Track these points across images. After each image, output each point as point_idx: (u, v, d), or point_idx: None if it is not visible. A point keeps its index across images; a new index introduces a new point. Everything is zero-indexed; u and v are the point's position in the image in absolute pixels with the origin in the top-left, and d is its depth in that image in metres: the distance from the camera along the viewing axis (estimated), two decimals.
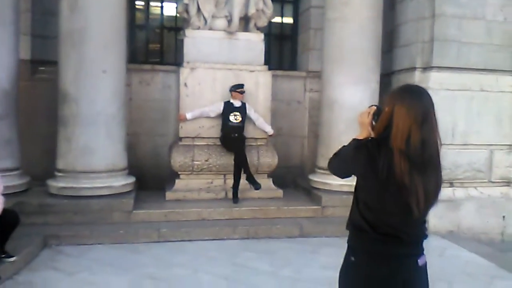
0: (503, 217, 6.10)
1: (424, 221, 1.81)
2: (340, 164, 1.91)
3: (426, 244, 1.83)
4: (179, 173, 6.14)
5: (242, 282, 3.99)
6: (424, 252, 1.82)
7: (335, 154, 1.94)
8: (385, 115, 1.73)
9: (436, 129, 1.69)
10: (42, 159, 5.99)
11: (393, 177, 1.64)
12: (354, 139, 1.84)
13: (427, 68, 6.14)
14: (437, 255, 5.01)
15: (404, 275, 1.75)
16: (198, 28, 6.41)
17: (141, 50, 7.62)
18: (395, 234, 1.73)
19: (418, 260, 1.77)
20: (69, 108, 5.35)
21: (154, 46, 7.81)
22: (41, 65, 6.45)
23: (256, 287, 3.89)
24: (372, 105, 1.91)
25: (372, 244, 1.76)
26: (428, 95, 1.74)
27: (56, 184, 5.34)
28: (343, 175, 1.95)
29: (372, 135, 1.82)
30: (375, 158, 1.68)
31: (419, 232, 1.79)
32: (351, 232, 1.85)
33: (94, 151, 5.39)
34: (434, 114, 1.70)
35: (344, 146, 1.90)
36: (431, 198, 1.68)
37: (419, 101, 1.69)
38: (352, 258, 1.81)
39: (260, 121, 6.28)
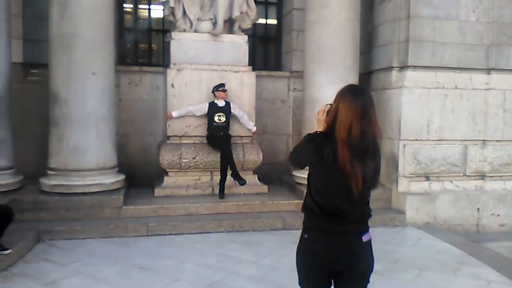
0: (478, 209, 6.39)
1: (367, 203, 2.10)
2: (296, 156, 2.19)
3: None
4: (168, 170, 6.38)
5: (225, 270, 4.25)
6: (369, 230, 2.11)
7: (293, 149, 2.23)
8: (332, 110, 2.03)
9: (375, 123, 1.98)
10: (34, 159, 6.22)
11: (337, 163, 1.93)
12: (307, 134, 2.12)
13: (403, 67, 6.44)
14: (411, 245, 5.31)
15: (349, 249, 2.04)
16: (184, 30, 6.66)
17: (130, 51, 7.86)
18: (340, 214, 2.02)
19: (362, 237, 2.06)
20: (60, 109, 5.57)
21: (143, 47, 8.05)
22: (33, 68, 6.69)
23: (238, 274, 4.15)
24: (328, 104, 2.20)
25: (321, 222, 2.05)
26: (369, 94, 2.05)
27: (49, 182, 5.57)
28: (299, 166, 2.26)
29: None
30: (322, 149, 1.97)
31: (362, 212, 2.08)
32: (305, 214, 2.14)
33: (85, 150, 5.62)
34: (373, 111, 1.99)
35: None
36: (368, 181, 1.97)
37: (359, 99, 1.99)
38: (306, 235, 2.11)
39: (245, 119, 6.55)
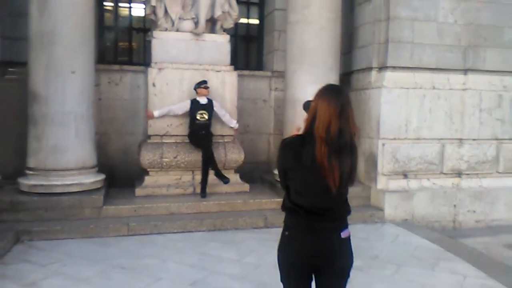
0: (454, 206, 6.53)
1: (345, 200, 2.15)
2: (280, 172, 2.20)
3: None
4: (148, 170, 6.35)
5: (207, 269, 4.27)
6: (348, 226, 2.16)
7: (278, 172, 2.25)
8: (312, 109, 2.08)
9: (352, 121, 2.04)
10: (13, 158, 6.08)
11: (315, 162, 1.98)
12: (282, 140, 2.19)
13: (382, 68, 6.55)
14: (390, 241, 5.41)
15: (328, 246, 2.09)
16: (166, 29, 6.63)
17: (110, 50, 7.79)
18: (319, 212, 2.07)
19: (341, 233, 2.11)
20: (39, 108, 5.50)
21: (123, 46, 7.98)
22: (11, 66, 6.56)
23: (220, 273, 4.17)
24: (308, 100, 2.26)
25: (301, 221, 2.09)
26: (346, 94, 2.12)
27: (27, 182, 5.48)
28: (285, 181, 2.18)
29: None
30: (300, 152, 2.03)
31: (341, 210, 2.13)
32: (285, 213, 2.19)
33: (64, 150, 5.56)
34: (351, 109, 2.06)
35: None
36: (345, 177, 2.02)
37: (337, 97, 2.05)
38: (286, 233, 2.16)
39: (227, 117, 6.56)
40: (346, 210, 2.16)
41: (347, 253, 2.15)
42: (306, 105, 2.36)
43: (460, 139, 6.66)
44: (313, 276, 2.19)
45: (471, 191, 6.58)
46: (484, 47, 6.69)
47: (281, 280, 2.23)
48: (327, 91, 2.09)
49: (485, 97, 6.66)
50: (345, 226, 2.14)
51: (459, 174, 6.66)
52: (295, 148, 2.06)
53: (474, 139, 6.65)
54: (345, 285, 2.20)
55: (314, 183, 2.03)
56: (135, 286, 3.84)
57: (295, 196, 2.11)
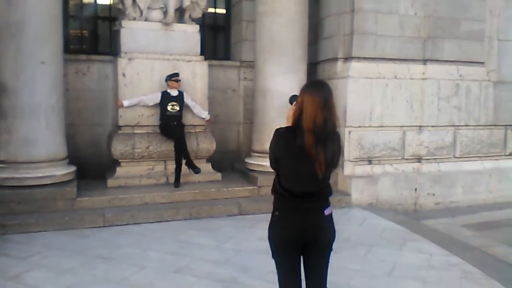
0: (415, 189, 6.93)
1: (327, 183, 2.40)
2: (271, 156, 2.42)
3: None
4: (120, 160, 6.34)
5: (188, 255, 4.39)
6: (330, 205, 2.42)
7: (270, 156, 2.44)
8: (298, 104, 2.30)
9: (334, 111, 2.28)
10: None
11: (304, 151, 2.21)
12: (276, 130, 2.38)
13: (348, 58, 6.80)
14: (358, 224, 5.71)
15: (313, 223, 2.34)
16: (134, 19, 6.58)
17: (75, 40, 7.63)
18: (305, 195, 2.32)
19: (324, 211, 2.38)
20: (8, 99, 5.38)
21: (88, 35, 7.82)
22: None
23: (202, 259, 4.30)
24: (294, 94, 2.45)
25: (289, 202, 2.34)
26: (328, 86, 2.34)
27: None
28: (275, 165, 2.42)
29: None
30: (291, 142, 2.25)
31: (323, 191, 2.38)
32: (274, 196, 2.42)
33: (35, 142, 5.47)
34: (332, 101, 2.29)
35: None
36: (329, 162, 2.26)
37: (321, 91, 2.28)
38: (276, 213, 2.40)
39: (197, 109, 6.63)
40: (328, 191, 2.41)
41: (330, 228, 2.41)
42: (292, 99, 2.56)
43: (420, 126, 7.04)
44: (302, 251, 2.40)
45: (430, 175, 6.99)
46: (442, 38, 7.06)
47: (272, 256, 2.44)
48: (311, 87, 2.32)
49: (443, 86, 7.06)
50: (327, 205, 2.40)
51: (419, 159, 7.05)
52: (287, 138, 2.28)
53: (433, 126, 7.05)
54: (329, 258, 2.44)
55: (303, 170, 2.26)
56: (121, 275, 3.91)
57: (284, 181, 2.34)
